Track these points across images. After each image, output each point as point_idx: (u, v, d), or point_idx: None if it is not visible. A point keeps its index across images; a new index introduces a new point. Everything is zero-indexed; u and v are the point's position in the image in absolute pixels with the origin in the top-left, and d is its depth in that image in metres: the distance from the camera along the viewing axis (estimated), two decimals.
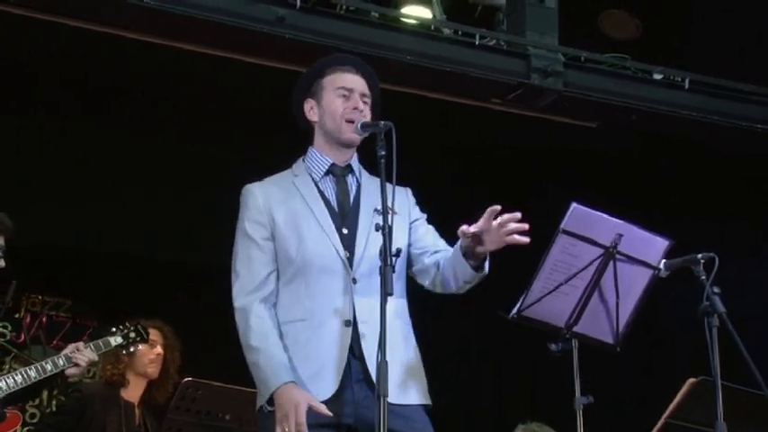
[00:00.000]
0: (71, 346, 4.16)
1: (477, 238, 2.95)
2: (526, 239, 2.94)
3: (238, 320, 3.05)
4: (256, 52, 4.92)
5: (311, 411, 2.90)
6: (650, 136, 6.14)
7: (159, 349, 4.85)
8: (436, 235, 3.26)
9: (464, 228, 2.94)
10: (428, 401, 3.13)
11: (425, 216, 3.30)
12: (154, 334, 4.86)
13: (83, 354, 4.12)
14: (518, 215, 2.94)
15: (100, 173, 6.09)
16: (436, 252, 3.18)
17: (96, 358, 4.22)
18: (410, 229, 3.22)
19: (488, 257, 3.02)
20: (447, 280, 3.11)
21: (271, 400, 2.95)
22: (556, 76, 5.18)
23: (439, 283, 3.15)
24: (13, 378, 4.01)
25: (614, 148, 6.38)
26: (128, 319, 4.60)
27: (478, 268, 3.01)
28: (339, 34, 4.79)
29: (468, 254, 2.99)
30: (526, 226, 2.93)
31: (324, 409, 2.89)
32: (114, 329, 4.46)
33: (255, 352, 2.98)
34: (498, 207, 2.92)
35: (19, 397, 4.11)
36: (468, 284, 3.08)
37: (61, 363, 4.09)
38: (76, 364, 4.11)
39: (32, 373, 4.02)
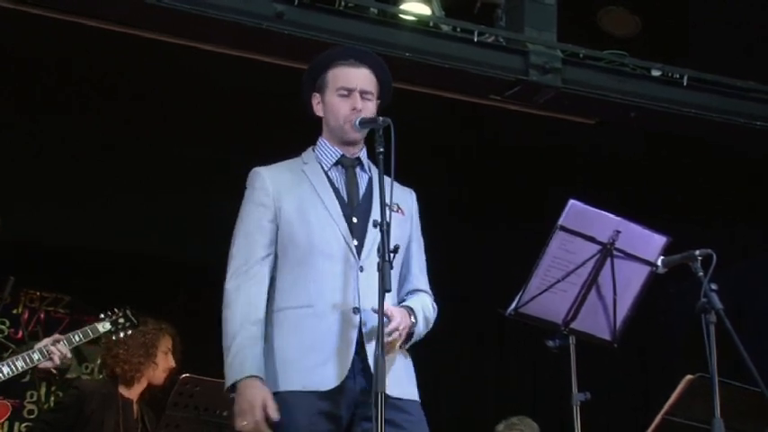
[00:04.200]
0: (46, 339, 4.07)
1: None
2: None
3: (225, 301, 3.04)
4: (254, 48, 4.91)
5: (311, 400, 2.90)
6: (655, 135, 6.15)
7: (173, 362, 4.89)
8: (423, 267, 3.28)
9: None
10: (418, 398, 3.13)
11: (420, 230, 3.30)
12: (169, 342, 4.89)
13: (57, 348, 4.03)
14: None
15: (101, 171, 6.09)
16: (414, 290, 3.21)
17: (69, 354, 4.12)
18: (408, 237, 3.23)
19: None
20: None
21: (233, 388, 2.95)
22: (554, 72, 5.18)
23: None
24: None
25: (619, 147, 6.39)
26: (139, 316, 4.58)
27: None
28: (338, 30, 4.79)
29: None
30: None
31: (273, 413, 2.88)
32: (103, 315, 4.43)
33: (231, 337, 2.98)
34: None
35: None
36: None
37: (36, 357, 4.00)
38: (50, 359, 4.02)
39: (5, 369, 3.94)
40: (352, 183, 3.18)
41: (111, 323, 4.42)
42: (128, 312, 4.50)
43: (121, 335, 4.50)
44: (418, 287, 3.24)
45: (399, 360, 3.05)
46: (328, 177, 3.17)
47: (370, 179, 3.21)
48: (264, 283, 3.05)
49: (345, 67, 3.20)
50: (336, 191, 3.15)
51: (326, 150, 3.21)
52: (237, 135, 5.89)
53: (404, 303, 3.12)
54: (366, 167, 3.23)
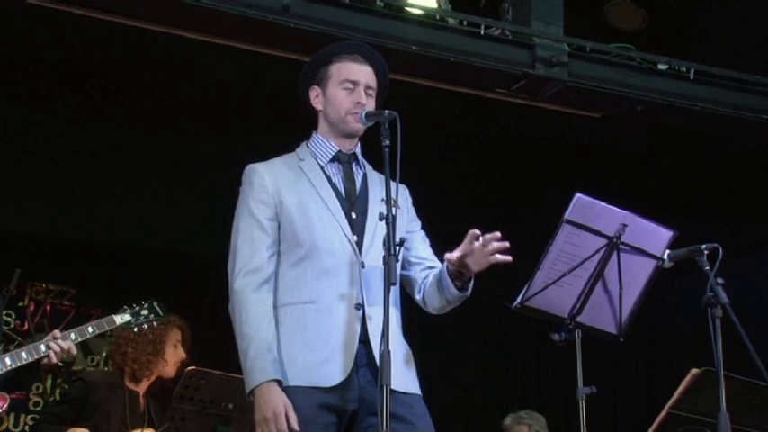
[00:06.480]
0: (49, 336, 3.95)
1: (461, 262, 2.98)
2: (509, 258, 2.97)
3: (234, 302, 3.02)
4: (260, 41, 4.91)
5: (316, 394, 2.91)
6: (660, 129, 6.14)
7: (183, 354, 4.87)
8: (429, 247, 3.29)
9: (448, 255, 3.00)
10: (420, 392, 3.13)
11: (420, 222, 3.32)
12: (178, 334, 4.87)
13: (58, 344, 3.91)
14: (498, 234, 2.96)
15: (107, 165, 6.09)
16: (430, 267, 3.22)
17: (75, 351, 4.00)
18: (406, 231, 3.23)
19: (473, 279, 3.06)
20: (431, 298, 3.16)
21: (251, 393, 2.94)
22: (561, 66, 5.17)
23: (425, 298, 3.20)
24: None
25: (624, 141, 6.38)
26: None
27: (462, 289, 3.06)
28: (344, 23, 4.78)
29: (453, 275, 3.04)
30: (507, 244, 2.96)
31: (294, 423, 2.87)
32: (125, 306, 4.32)
33: (247, 339, 2.95)
34: (478, 231, 2.96)
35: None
36: (450, 305, 3.14)
37: (43, 349, 3.90)
38: (48, 356, 3.88)
39: (8, 361, 3.86)
40: (349, 179, 3.18)
41: (132, 314, 4.29)
42: (154, 304, 4.38)
43: (145, 327, 4.39)
44: (435, 266, 3.22)
45: (402, 355, 3.06)
46: (325, 173, 3.16)
47: (365, 175, 3.22)
48: (271, 282, 3.04)
49: (350, 62, 3.19)
50: (334, 187, 3.14)
51: (322, 146, 3.20)
52: (243, 129, 5.89)
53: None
54: (361, 163, 3.24)
